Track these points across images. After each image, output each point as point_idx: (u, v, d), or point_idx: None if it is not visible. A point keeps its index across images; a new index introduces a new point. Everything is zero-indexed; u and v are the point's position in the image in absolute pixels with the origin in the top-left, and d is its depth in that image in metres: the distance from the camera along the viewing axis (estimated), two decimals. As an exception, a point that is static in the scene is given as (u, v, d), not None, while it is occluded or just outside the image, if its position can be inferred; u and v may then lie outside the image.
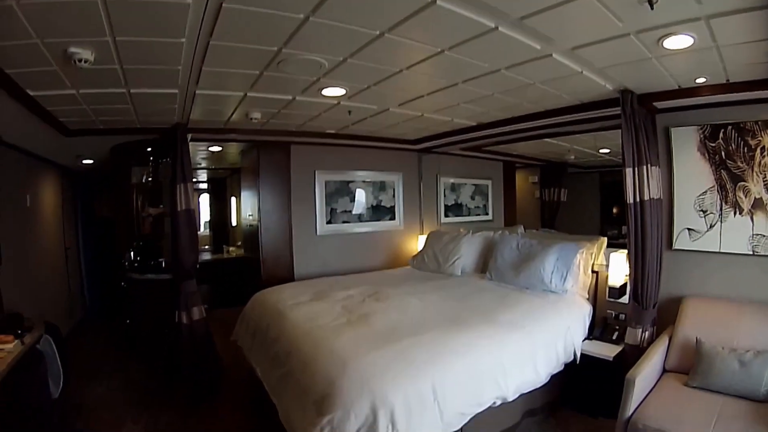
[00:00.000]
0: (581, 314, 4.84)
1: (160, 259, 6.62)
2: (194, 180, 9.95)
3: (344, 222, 7.37)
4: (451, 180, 8.68)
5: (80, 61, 3.00)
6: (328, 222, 7.21)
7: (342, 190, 7.33)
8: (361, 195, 7.54)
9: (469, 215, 9.01)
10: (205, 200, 11.24)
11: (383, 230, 7.76)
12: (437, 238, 6.90)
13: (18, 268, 5.73)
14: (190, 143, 5.56)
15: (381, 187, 7.72)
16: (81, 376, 5.76)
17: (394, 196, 7.87)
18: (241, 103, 4.55)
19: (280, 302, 4.96)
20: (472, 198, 9.09)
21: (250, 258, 7.52)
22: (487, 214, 9.38)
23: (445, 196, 8.62)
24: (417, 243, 7.86)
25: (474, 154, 8.50)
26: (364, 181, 7.55)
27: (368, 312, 4.43)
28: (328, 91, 4.20)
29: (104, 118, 4.96)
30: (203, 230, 11.00)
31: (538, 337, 4.18)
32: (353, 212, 7.47)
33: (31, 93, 3.84)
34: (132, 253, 6.73)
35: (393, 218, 7.88)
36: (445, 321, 4.16)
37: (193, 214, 5.51)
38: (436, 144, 7.18)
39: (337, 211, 7.29)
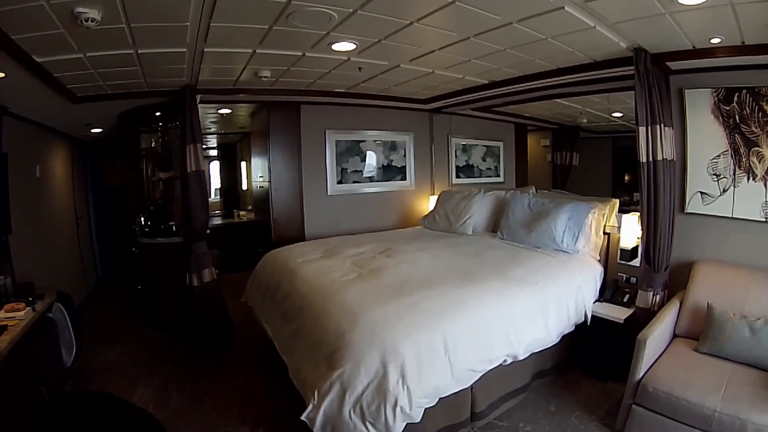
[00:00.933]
0: (592, 275, 4.85)
1: (171, 223, 6.61)
2: (204, 146, 10.06)
3: (355, 182, 7.37)
4: (463, 141, 8.65)
5: (87, 20, 2.95)
6: (339, 182, 7.21)
7: (352, 150, 7.32)
8: (371, 155, 7.52)
9: (480, 176, 8.99)
10: (215, 167, 11.29)
11: (394, 190, 7.76)
12: (449, 197, 6.87)
13: (30, 238, 5.81)
14: (200, 106, 5.54)
15: (392, 147, 7.69)
16: (94, 343, 5.89)
17: (405, 156, 7.83)
18: (251, 60, 4.49)
19: (290, 259, 5.00)
20: (484, 159, 9.06)
21: (261, 221, 7.56)
22: (498, 175, 9.36)
23: (456, 157, 8.59)
24: (428, 203, 7.88)
25: (486, 116, 8.44)
26: (374, 141, 7.52)
27: (379, 267, 4.48)
28: (339, 46, 4.13)
29: (112, 83, 4.91)
30: (214, 197, 11.04)
31: (549, 294, 4.19)
32: (364, 172, 7.46)
33: (38, 59, 3.78)
34: (143, 218, 6.73)
35: (404, 178, 7.86)
36: (456, 275, 4.19)
37: (203, 175, 5.54)
38: (448, 103, 7.09)
39: (348, 170, 7.29)
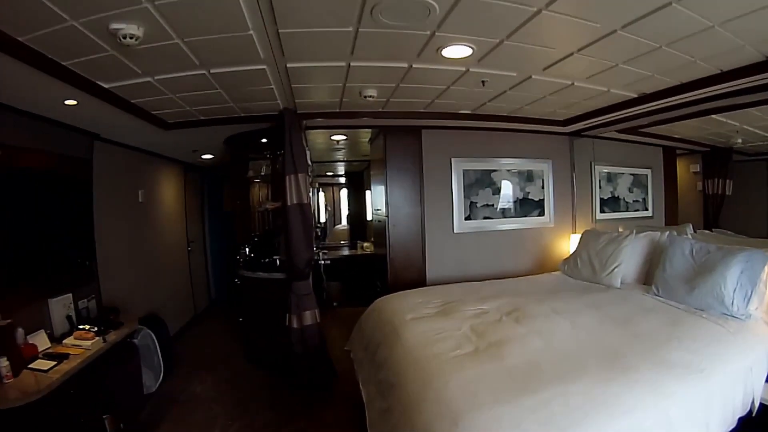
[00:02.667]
0: (765, 350, 3.45)
1: (275, 257, 6.01)
2: (332, 173, 9.72)
3: (486, 218, 6.32)
4: (607, 169, 7.35)
5: (126, 38, 2.62)
6: (467, 218, 6.19)
7: (483, 181, 6.30)
8: (506, 186, 6.45)
9: (626, 210, 7.59)
10: (344, 195, 10.82)
11: (530, 228, 6.60)
12: (593, 238, 5.65)
13: (128, 262, 5.85)
14: (311, 132, 5.34)
15: (528, 177, 6.59)
16: (186, 370, 5.85)
17: (543, 187, 6.70)
18: (348, 77, 3.74)
19: (397, 315, 4.11)
20: (630, 190, 7.64)
21: (380, 256, 6.65)
22: (646, 209, 7.84)
23: (600, 187, 7.30)
24: (569, 243, 6.71)
25: (631, 138, 7.08)
26: (508, 170, 6.46)
27: (503, 338, 3.39)
28: (451, 51, 3.22)
29: (199, 108, 4.53)
30: (344, 224, 10.60)
31: (715, 384, 2.92)
32: (496, 206, 6.39)
33: (105, 85, 3.57)
34: (247, 249, 6.21)
35: (542, 213, 6.70)
36: (600, 358, 3.03)
37: (306, 209, 4.99)
38: (589, 124, 5.99)
39: (478, 205, 6.27)
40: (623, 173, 7.44)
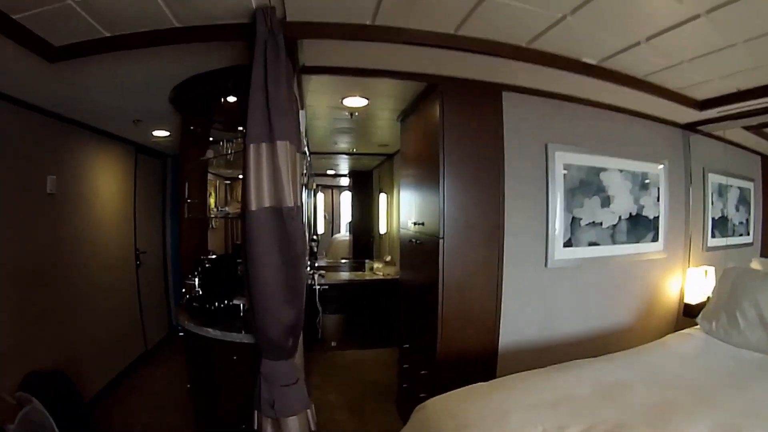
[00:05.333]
0: None
1: (237, 302, 3.38)
2: (332, 173, 8.27)
3: (591, 244, 3.88)
4: (720, 179, 5.08)
5: None
6: (566, 244, 3.74)
7: (589, 185, 3.89)
8: (620, 195, 4.07)
9: (733, 235, 5.32)
10: (346, 198, 8.75)
11: (639, 259, 4.22)
12: (757, 283, 3.38)
13: (17, 288, 3.77)
14: (318, 87, 3.46)
15: (642, 183, 4.22)
16: None
17: (658, 200, 4.36)
18: None
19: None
20: (737, 209, 5.38)
21: (410, 284, 4.27)
22: (748, 233, 5.53)
23: (712, 203, 5.03)
24: (683, 283, 4.47)
25: (735, 140, 5.00)
26: (620, 171, 4.05)
27: None
28: None
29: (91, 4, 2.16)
30: (344, 233, 8.65)
31: None
32: (604, 225, 3.97)
33: None
34: (197, 280, 3.56)
35: (655, 238, 4.32)
36: None
37: (291, 219, 2.39)
38: (727, 112, 3.90)
39: (582, 222, 3.84)
40: (731, 186, 5.31)
